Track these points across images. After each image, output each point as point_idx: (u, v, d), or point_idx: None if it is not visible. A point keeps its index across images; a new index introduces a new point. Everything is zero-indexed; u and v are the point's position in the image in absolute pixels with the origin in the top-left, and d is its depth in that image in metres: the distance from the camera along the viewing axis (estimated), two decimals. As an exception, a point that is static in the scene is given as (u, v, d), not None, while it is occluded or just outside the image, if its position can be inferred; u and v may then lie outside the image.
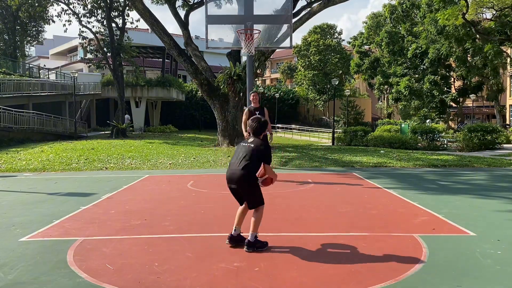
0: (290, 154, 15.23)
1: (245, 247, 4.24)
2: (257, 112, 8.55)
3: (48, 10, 34.69)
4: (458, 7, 24.88)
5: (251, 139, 4.37)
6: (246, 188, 4.27)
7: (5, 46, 37.60)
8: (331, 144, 23.51)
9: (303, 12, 18.47)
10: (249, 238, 4.26)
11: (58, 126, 26.44)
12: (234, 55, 18.90)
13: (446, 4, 28.38)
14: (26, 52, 46.00)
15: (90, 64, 32.41)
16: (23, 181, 9.39)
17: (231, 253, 4.18)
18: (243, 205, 4.43)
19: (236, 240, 4.40)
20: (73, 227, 5.20)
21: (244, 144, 4.39)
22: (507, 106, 41.52)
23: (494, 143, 19.11)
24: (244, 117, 8.71)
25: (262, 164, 4.29)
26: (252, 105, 8.69)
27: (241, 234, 4.43)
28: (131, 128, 31.09)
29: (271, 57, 40.19)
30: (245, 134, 8.86)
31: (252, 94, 8.74)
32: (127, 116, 32.13)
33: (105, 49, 28.67)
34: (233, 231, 4.42)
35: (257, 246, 4.24)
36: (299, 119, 47.51)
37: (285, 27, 13.62)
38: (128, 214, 5.89)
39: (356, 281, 3.48)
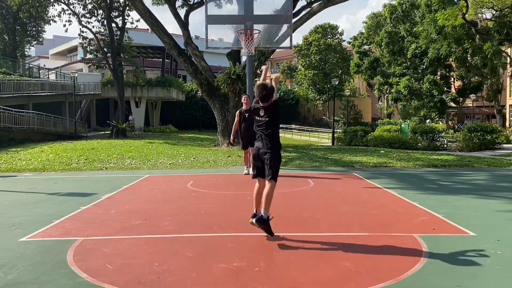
0: (290, 154, 15.22)
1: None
2: (247, 114, 9.20)
3: (48, 10, 34.71)
4: (458, 7, 24.90)
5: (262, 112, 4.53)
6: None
7: (5, 46, 37.60)
8: (331, 144, 23.51)
9: (303, 12, 18.47)
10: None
11: (58, 126, 26.45)
12: (234, 55, 18.90)
13: (445, 5, 28.40)
14: (26, 52, 45.98)
15: (90, 64, 32.40)
16: (23, 181, 9.39)
17: (231, 253, 4.18)
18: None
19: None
20: (73, 227, 5.19)
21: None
22: (507, 106, 41.52)
23: (494, 143, 19.12)
24: (236, 118, 9.54)
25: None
26: (243, 107, 9.34)
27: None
28: (129, 128, 31.05)
29: (271, 57, 40.18)
30: (231, 138, 9.93)
31: (244, 97, 9.50)
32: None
33: (105, 49, 28.67)
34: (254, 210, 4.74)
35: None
36: (299, 119, 47.47)
37: (285, 27, 13.65)
38: (128, 214, 5.89)
39: (356, 281, 3.49)
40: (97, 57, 30.91)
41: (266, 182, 4.51)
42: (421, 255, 4.07)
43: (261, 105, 4.49)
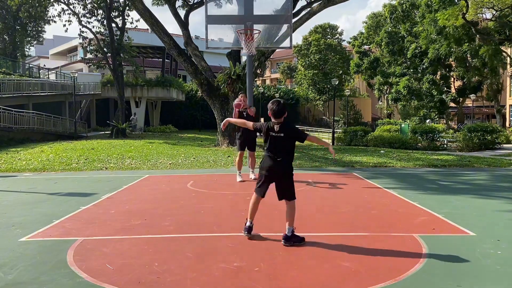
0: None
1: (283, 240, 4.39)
2: (245, 113, 9.01)
3: (48, 10, 34.72)
4: (458, 7, 24.91)
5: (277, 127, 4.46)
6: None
7: (5, 46, 37.61)
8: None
9: (303, 12, 18.46)
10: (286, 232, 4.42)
11: (58, 126, 26.44)
12: (234, 55, 18.89)
13: (446, 5, 28.42)
14: (26, 52, 46.00)
15: (90, 64, 32.41)
16: (23, 181, 9.39)
17: (231, 253, 4.18)
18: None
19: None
20: (73, 227, 5.19)
21: (273, 134, 4.50)
22: (507, 106, 41.54)
23: (494, 143, 19.12)
24: (235, 115, 9.13)
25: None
26: (241, 106, 9.19)
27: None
28: (130, 129, 31.06)
29: (271, 57, 40.17)
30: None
31: (240, 95, 9.26)
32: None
33: (105, 49, 28.68)
34: (249, 223, 4.70)
35: (293, 240, 4.38)
36: (299, 119, 47.49)
37: (285, 27, 13.62)
38: (128, 214, 5.89)
39: (356, 281, 3.48)
40: (97, 57, 30.91)
41: (287, 202, 4.53)
42: (421, 255, 4.07)
43: (275, 121, 4.52)
